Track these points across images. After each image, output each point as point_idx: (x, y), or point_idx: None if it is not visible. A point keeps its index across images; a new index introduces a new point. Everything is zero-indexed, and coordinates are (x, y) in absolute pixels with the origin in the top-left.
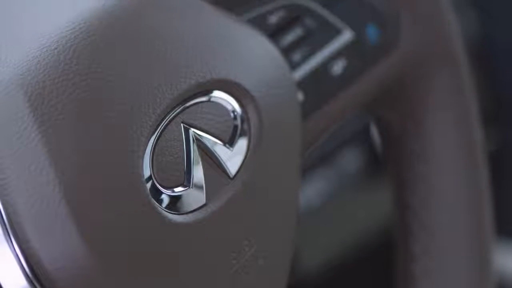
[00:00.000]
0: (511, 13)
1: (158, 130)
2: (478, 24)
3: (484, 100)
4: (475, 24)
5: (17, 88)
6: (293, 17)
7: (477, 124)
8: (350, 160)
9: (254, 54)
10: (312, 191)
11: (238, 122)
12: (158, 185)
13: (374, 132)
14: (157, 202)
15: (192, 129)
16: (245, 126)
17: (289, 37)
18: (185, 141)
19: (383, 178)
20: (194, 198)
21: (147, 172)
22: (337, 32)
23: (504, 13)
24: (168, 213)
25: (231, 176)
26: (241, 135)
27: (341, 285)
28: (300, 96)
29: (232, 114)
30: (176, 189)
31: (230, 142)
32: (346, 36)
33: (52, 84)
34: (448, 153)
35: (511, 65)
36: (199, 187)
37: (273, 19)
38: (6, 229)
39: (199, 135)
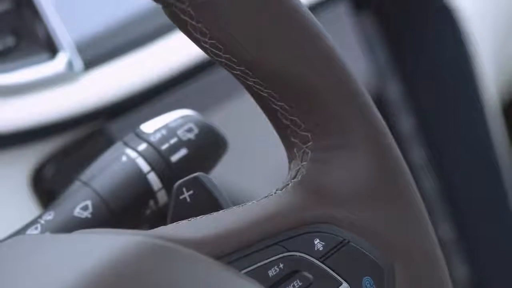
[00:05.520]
0: (497, 262)
1: None
2: (466, 272)
3: None
4: (464, 272)
5: None
6: (292, 270)
7: None
8: None
9: None
10: None
11: None
12: None
13: None
14: None
15: None
16: None
17: None
18: None
19: None
20: None
21: None
22: (334, 284)
23: (492, 261)
24: None
25: None
26: None
27: None
28: None
29: None
30: None
31: None
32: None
33: None
34: None
35: None
36: None
37: (273, 272)
38: None
39: None
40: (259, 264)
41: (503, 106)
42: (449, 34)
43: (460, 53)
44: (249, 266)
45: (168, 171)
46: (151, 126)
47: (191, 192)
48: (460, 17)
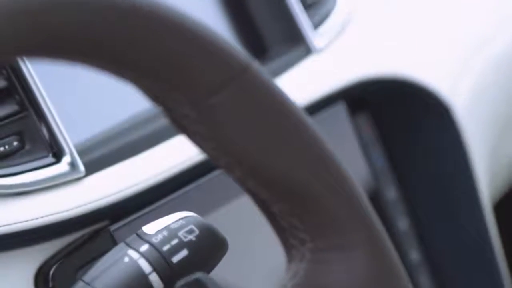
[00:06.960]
0: None
1: None
2: None
3: None
4: None
5: None
6: None
7: None
8: None
9: None
10: None
11: None
12: None
13: None
14: None
15: None
16: None
17: None
18: None
19: None
20: None
21: None
22: None
23: None
24: None
25: None
26: None
27: None
28: None
29: None
30: None
31: None
32: None
33: None
34: None
35: None
36: None
37: None
38: None
39: None
40: None
41: (493, 204)
42: (445, 136)
43: (456, 155)
44: None
45: (169, 272)
46: (153, 228)
47: None
48: (456, 120)
